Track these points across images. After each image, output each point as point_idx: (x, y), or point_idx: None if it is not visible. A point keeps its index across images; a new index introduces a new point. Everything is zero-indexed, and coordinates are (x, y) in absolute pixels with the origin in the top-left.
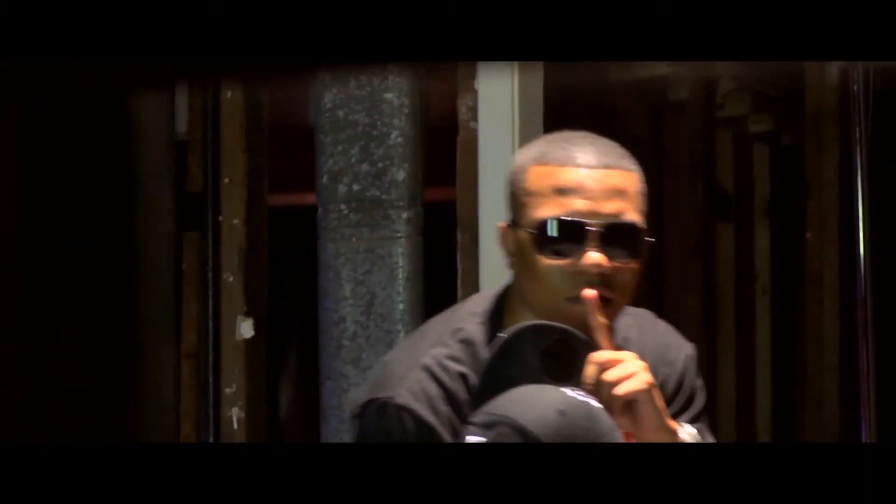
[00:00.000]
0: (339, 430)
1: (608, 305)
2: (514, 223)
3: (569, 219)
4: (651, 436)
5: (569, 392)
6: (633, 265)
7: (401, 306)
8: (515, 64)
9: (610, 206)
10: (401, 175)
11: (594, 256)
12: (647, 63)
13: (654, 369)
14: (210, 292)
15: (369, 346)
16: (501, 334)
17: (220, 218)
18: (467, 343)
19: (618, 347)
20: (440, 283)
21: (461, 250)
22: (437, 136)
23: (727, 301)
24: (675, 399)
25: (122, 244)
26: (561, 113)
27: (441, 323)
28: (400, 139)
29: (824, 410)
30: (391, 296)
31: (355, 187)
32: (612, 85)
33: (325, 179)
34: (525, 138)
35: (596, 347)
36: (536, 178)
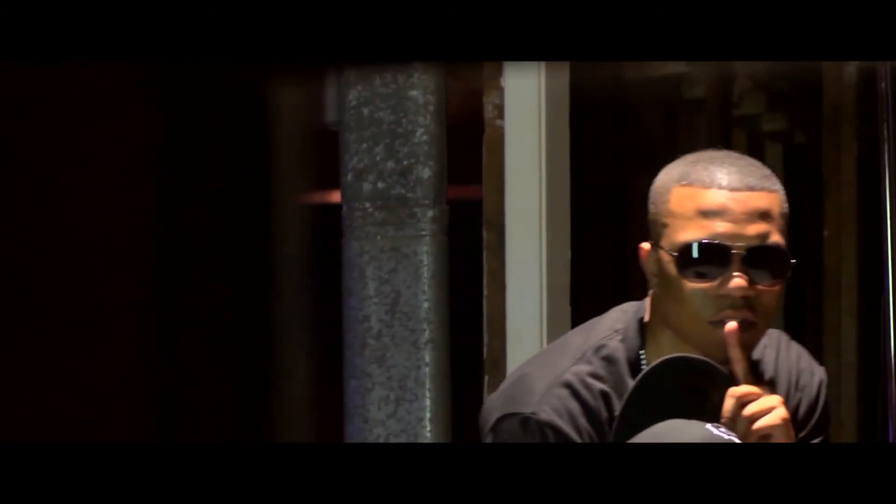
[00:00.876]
0: (362, 428)
1: (751, 329)
2: (656, 244)
3: (713, 242)
4: None
5: (712, 429)
6: (776, 288)
7: (425, 305)
8: (542, 62)
9: (754, 229)
10: (426, 173)
11: (738, 280)
12: (663, 62)
13: (787, 394)
14: None
15: (394, 345)
16: (644, 362)
17: None
18: (609, 360)
19: (755, 378)
20: (466, 282)
21: (487, 249)
22: (465, 134)
23: None
24: (807, 424)
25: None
26: (586, 111)
27: (581, 337)
28: (425, 137)
29: (842, 410)
30: (416, 294)
31: (380, 185)
32: (627, 83)
33: (349, 177)
34: (551, 136)
35: (735, 381)
36: (679, 199)
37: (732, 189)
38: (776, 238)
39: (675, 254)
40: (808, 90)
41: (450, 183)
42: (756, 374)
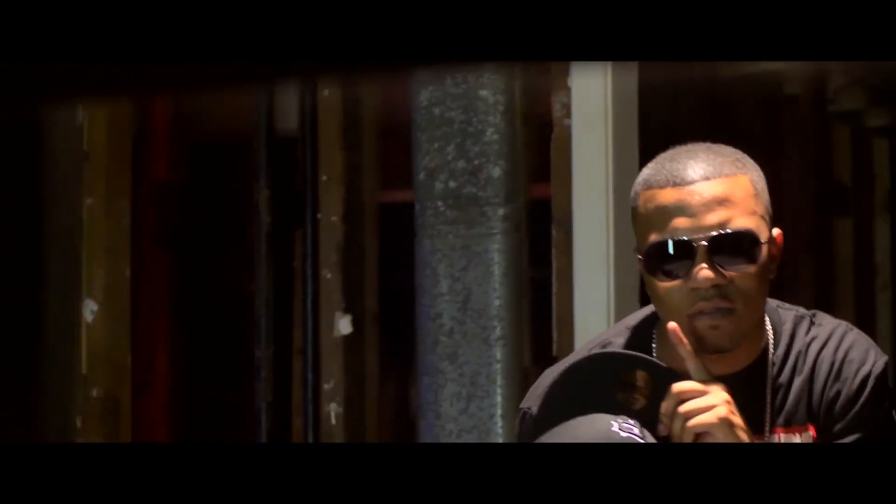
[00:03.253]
0: (434, 424)
1: (730, 315)
2: (636, 250)
3: (673, 239)
4: None
5: (616, 428)
6: (751, 270)
7: (497, 302)
8: (608, 62)
9: (714, 218)
10: (496, 172)
11: (704, 272)
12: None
13: (825, 385)
14: (309, 289)
15: (465, 342)
16: (655, 356)
17: (319, 215)
18: None
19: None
20: (541, 280)
21: (556, 247)
22: (542, 133)
23: (846, 296)
24: (844, 417)
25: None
26: (662, 109)
27: (602, 335)
28: (495, 136)
29: None
30: (487, 292)
31: (451, 184)
32: (723, 80)
33: (421, 176)
34: (619, 135)
35: (685, 377)
36: (643, 203)
37: (687, 183)
38: (740, 222)
39: (642, 257)
40: None
41: (527, 182)
42: (749, 373)
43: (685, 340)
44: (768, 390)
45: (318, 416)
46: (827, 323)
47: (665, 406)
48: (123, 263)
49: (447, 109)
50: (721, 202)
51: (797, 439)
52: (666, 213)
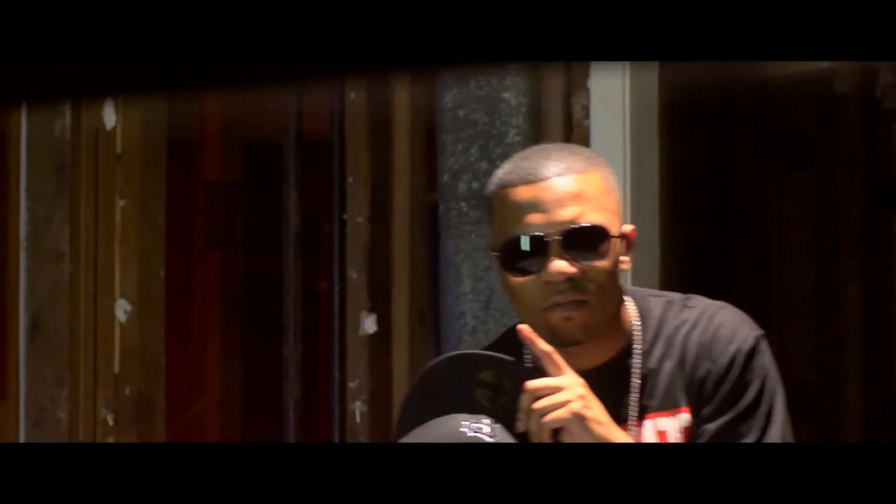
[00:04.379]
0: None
1: (584, 308)
2: (491, 249)
3: (526, 234)
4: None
5: (465, 429)
6: (602, 264)
7: None
8: (626, 62)
9: (567, 213)
10: None
11: (557, 265)
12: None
13: (695, 366)
14: (336, 289)
15: (488, 341)
16: (527, 358)
17: (345, 216)
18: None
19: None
20: None
21: None
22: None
23: None
24: (714, 396)
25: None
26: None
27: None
28: (518, 138)
29: None
30: None
31: (475, 185)
32: (773, 79)
33: (446, 177)
34: (637, 135)
35: (545, 374)
36: (498, 203)
37: (540, 180)
38: (592, 217)
39: (498, 254)
40: None
41: None
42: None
43: (536, 339)
44: (636, 379)
45: (344, 414)
46: (699, 305)
47: (521, 403)
48: (158, 264)
49: (471, 111)
50: (573, 198)
51: (670, 423)
52: (520, 210)
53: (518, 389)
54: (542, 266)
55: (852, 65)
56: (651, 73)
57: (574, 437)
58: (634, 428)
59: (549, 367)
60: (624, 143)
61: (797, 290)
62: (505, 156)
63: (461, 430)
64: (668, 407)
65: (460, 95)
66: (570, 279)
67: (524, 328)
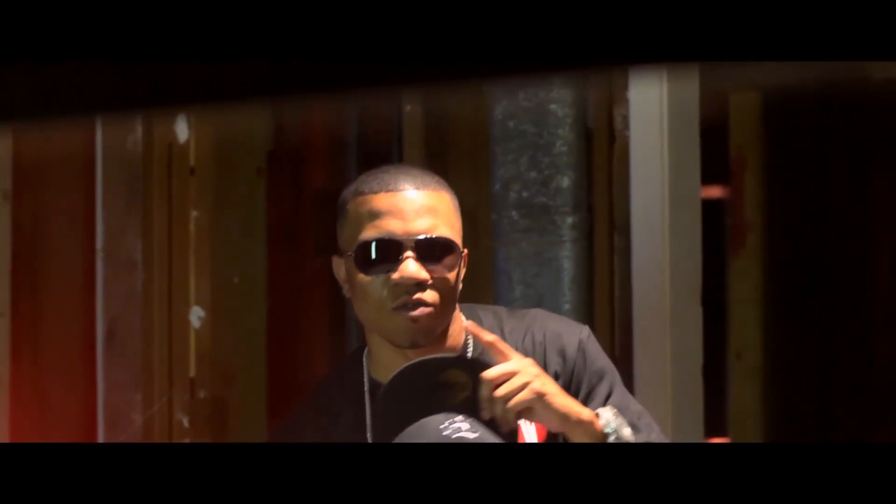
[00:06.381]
0: None
1: (428, 312)
2: (341, 253)
3: (384, 237)
4: (568, 434)
5: (444, 429)
6: (449, 274)
7: (566, 307)
8: (664, 72)
9: (422, 223)
10: (565, 182)
11: (409, 267)
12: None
13: (545, 364)
14: None
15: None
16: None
17: None
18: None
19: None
20: (607, 285)
21: (618, 254)
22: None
23: None
24: (573, 387)
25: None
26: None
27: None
28: (564, 148)
29: None
30: (557, 297)
31: (524, 194)
32: (874, 84)
33: (497, 187)
34: (677, 145)
35: (493, 364)
36: (355, 207)
37: (400, 190)
38: (444, 231)
39: (352, 253)
40: None
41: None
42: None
43: (480, 332)
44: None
45: None
46: (527, 313)
47: (482, 393)
48: (232, 272)
49: (520, 123)
50: (428, 210)
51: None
52: (379, 215)
53: (475, 382)
54: (397, 267)
55: None
56: (691, 81)
57: (538, 413)
58: None
59: (495, 356)
60: (662, 151)
61: None
62: (553, 165)
63: (444, 433)
64: None
65: (510, 107)
66: (419, 283)
67: (469, 324)
